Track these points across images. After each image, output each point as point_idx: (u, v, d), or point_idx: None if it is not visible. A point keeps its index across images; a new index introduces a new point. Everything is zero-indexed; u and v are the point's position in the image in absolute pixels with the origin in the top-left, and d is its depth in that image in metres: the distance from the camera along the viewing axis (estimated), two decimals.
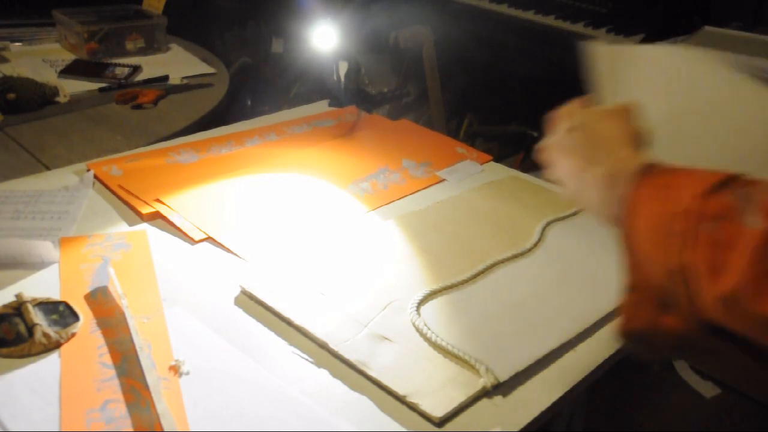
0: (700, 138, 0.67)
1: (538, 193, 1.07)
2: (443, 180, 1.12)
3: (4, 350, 0.69)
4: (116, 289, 0.77)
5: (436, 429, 0.64)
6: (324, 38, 1.29)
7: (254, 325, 0.76)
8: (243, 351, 0.71)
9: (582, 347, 0.76)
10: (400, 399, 0.66)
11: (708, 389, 1.89)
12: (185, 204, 0.97)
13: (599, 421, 1.68)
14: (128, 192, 0.99)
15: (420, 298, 0.80)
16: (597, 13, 2.09)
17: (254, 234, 0.92)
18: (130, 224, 0.93)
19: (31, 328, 0.70)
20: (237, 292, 0.81)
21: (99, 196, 1.00)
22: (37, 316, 0.71)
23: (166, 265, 0.85)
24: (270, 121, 1.30)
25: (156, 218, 0.95)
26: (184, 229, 0.92)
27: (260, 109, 2.45)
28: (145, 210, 0.95)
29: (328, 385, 0.68)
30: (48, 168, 1.21)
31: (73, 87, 1.60)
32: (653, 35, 1.89)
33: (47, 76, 1.64)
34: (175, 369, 0.68)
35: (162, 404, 0.62)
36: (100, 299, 0.77)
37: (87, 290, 0.79)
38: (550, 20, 2.14)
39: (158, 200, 0.97)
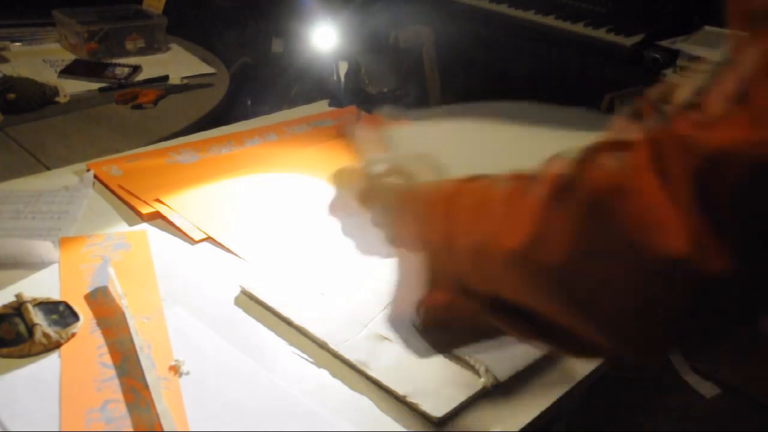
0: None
1: None
2: None
3: (4, 350, 0.69)
4: (116, 289, 0.77)
5: (436, 429, 0.64)
6: (324, 38, 1.29)
7: (254, 325, 0.76)
8: (243, 351, 0.71)
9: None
10: (400, 399, 0.66)
11: (708, 389, 1.89)
12: (185, 204, 0.97)
13: (599, 421, 1.68)
14: (128, 192, 0.99)
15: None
16: (597, 13, 2.09)
17: (254, 234, 0.92)
18: (130, 224, 0.93)
19: (31, 328, 0.70)
20: (237, 292, 0.81)
21: (99, 196, 1.00)
22: (37, 316, 0.71)
23: (166, 265, 0.85)
24: (270, 121, 1.30)
25: (156, 218, 0.95)
26: (184, 229, 0.92)
27: (260, 109, 2.45)
28: (145, 210, 0.95)
29: (328, 385, 0.68)
30: (48, 168, 1.21)
31: (73, 87, 1.60)
32: (653, 35, 1.89)
33: (47, 76, 1.64)
34: (175, 369, 0.68)
35: (162, 404, 0.62)
36: (100, 299, 0.77)
37: (87, 290, 0.79)
38: (550, 20, 2.14)
39: (158, 200, 0.97)
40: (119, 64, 1.74)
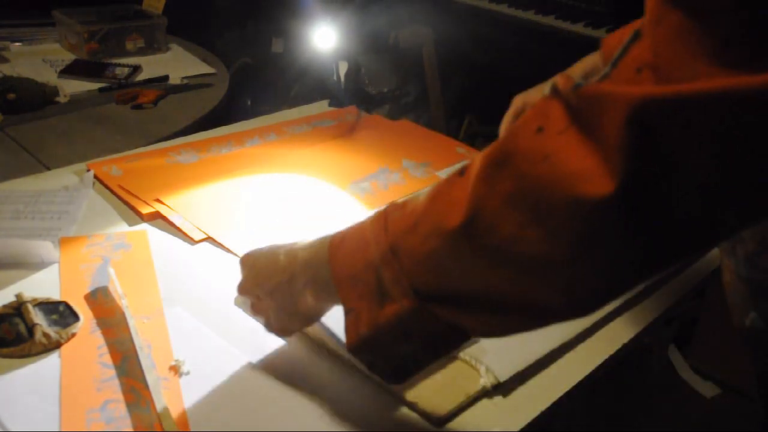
0: None
1: None
2: None
3: (4, 350, 0.69)
4: (116, 289, 0.77)
5: (436, 429, 0.64)
6: (324, 38, 1.29)
7: (254, 325, 0.76)
8: (243, 351, 0.71)
9: (582, 347, 0.76)
10: (400, 399, 0.66)
11: (708, 389, 1.89)
12: (185, 204, 0.97)
13: (599, 422, 1.68)
14: (128, 192, 0.99)
15: None
16: (597, 13, 2.09)
17: (254, 234, 0.92)
18: (130, 224, 0.93)
19: (31, 328, 0.70)
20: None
21: (99, 196, 1.00)
22: (37, 316, 0.71)
23: (166, 265, 0.85)
24: (270, 121, 1.30)
25: (156, 218, 0.95)
26: (184, 229, 0.92)
27: (260, 109, 2.45)
28: (145, 210, 0.95)
29: (328, 385, 0.68)
30: (48, 168, 1.21)
31: (73, 87, 1.60)
32: None
33: (47, 76, 1.64)
34: (175, 369, 0.68)
35: (162, 404, 0.63)
36: (100, 299, 0.77)
37: (87, 290, 0.79)
38: (550, 20, 2.14)
39: (158, 200, 0.97)
40: (119, 64, 1.74)
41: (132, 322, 0.72)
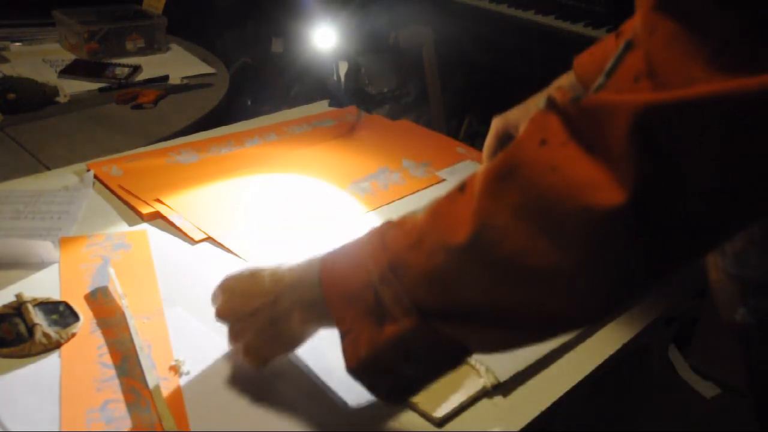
0: None
1: None
2: (443, 180, 1.12)
3: (4, 350, 0.69)
4: (116, 289, 0.77)
5: (436, 429, 0.64)
6: (324, 38, 1.29)
7: None
8: None
9: (582, 347, 0.76)
10: None
11: (708, 389, 1.89)
12: (185, 204, 0.97)
13: (599, 422, 1.68)
14: (128, 192, 0.99)
15: None
16: (597, 13, 2.09)
17: (254, 234, 0.92)
18: (130, 224, 0.93)
19: (31, 328, 0.70)
20: None
21: (99, 196, 1.00)
22: (37, 316, 0.71)
23: (166, 265, 0.85)
24: (270, 121, 1.30)
25: (156, 218, 0.95)
26: (184, 229, 0.92)
27: (260, 109, 2.45)
28: (145, 210, 0.95)
29: (328, 385, 0.68)
30: (48, 168, 1.21)
31: (73, 87, 1.60)
32: None
33: (47, 76, 1.64)
34: (175, 369, 0.68)
35: (162, 404, 0.63)
36: (100, 299, 0.77)
37: (87, 290, 0.79)
38: (550, 20, 2.14)
39: (158, 200, 0.97)
40: (119, 64, 1.74)
41: (132, 322, 0.72)
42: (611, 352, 0.75)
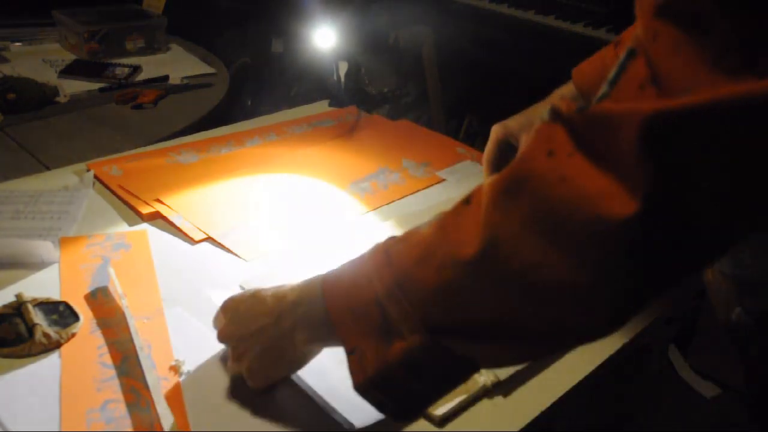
0: None
1: None
2: (443, 180, 1.12)
3: (4, 350, 0.69)
4: (116, 289, 0.77)
5: (436, 429, 0.64)
6: (324, 38, 1.29)
7: None
8: None
9: (582, 347, 0.75)
10: None
11: (708, 389, 1.89)
12: (185, 204, 0.97)
13: (599, 422, 1.68)
14: (128, 192, 0.99)
15: None
16: (597, 13, 2.09)
17: (254, 234, 0.92)
18: (130, 224, 0.93)
19: (31, 328, 0.70)
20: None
21: (99, 196, 1.00)
22: (37, 316, 0.71)
23: (166, 265, 0.85)
24: (270, 121, 1.30)
25: (156, 218, 0.95)
26: (184, 229, 0.92)
27: (260, 109, 2.45)
28: (145, 210, 0.95)
29: (328, 384, 0.68)
30: (48, 168, 1.21)
31: (73, 87, 1.60)
32: None
33: (47, 76, 1.64)
34: (175, 369, 0.68)
35: (162, 404, 0.62)
36: (100, 299, 0.77)
37: (87, 290, 0.79)
38: (550, 20, 2.14)
39: (158, 200, 0.97)
40: (119, 64, 1.74)
41: (132, 322, 0.72)
42: (611, 352, 0.75)
